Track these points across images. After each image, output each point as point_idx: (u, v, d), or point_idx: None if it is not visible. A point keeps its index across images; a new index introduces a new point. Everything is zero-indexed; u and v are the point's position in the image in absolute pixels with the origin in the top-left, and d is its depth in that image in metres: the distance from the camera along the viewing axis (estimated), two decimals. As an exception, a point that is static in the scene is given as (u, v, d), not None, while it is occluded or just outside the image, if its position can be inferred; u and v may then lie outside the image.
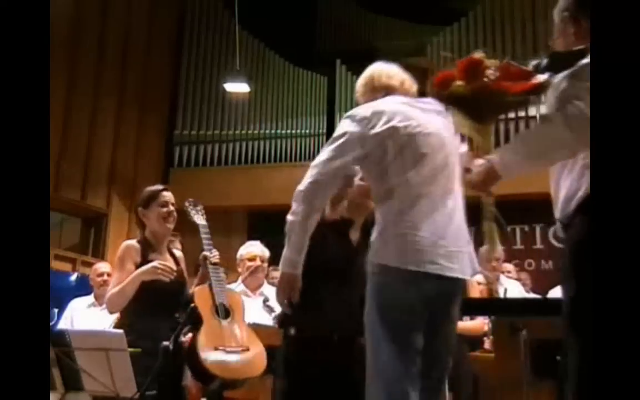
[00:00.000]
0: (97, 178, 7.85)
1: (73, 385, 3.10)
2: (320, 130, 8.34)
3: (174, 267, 3.04)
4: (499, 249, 2.10)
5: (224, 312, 3.09)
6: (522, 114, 6.92)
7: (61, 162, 7.33)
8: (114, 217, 7.98)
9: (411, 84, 2.53)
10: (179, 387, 2.94)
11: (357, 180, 2.93)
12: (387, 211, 2.14)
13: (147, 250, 3.04)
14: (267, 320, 3.75)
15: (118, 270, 3.01)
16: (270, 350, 3.00)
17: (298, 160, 8.11)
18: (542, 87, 1.91)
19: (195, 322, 2.98)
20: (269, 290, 3.93)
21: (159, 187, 3.24)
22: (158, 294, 2.93)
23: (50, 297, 1.63)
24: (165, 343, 2.81)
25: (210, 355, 2.87)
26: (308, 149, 8.23)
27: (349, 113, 2.28)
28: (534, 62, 1.97)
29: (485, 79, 1.98)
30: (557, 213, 1.86)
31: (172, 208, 3.14)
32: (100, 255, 7.77)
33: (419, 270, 2.04)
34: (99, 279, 4.65)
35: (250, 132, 8.55)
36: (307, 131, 8.34)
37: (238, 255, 4.23)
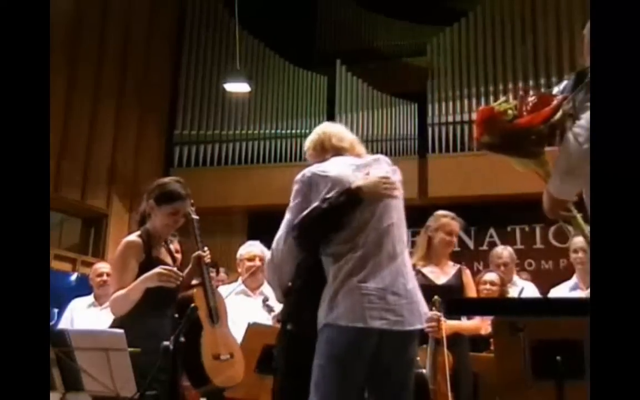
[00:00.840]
0: (97, 178, 7.85)
1: (73, 385, 3.10)
2: (320, 131, 8.33)
3: (173, 266, 3.02)
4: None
5: (216, 315, 3.10)
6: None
7: (61, 162, 7.33)
8: (114, 217, 7.99)
9: (360, 146, 2.70)
10: (178, 387, 2.93)
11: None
12: (337, 272, 2.27)
13: (150, 245, 2.99)
14: (267, 320, 3.75)
15: (121, 269, 2.96)
16: (270, 350, 3.00)
17: (298, 160, 8.11)
18: (560, 107, 1.94)
19: (195, 324, 2.98)
20: (269, 290, 3.92)
21: (178, 190, 3.10)
22: (158, 293, 2.92)
23: (50, 297, 1.63)
24: (166, 343, 2.81)
25: (210, 362, 2.91)
26: (308, 149, 8.23)
27: (298, 178, 2.46)
28: (560, 86, 2.01)
29: (504, 124, 2.00)
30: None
31: (181, 220, 3.08)
32: (100, 255, 7.77)
33: (368, 327, 2.17)
34: (99, 279, 4.64)
35: (250, 132, 8.55)
36: (307, 131, 8.24)
37: (238, 255, 4.23)
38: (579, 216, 2.06)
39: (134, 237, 3.01)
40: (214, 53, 8.98)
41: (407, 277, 2.35)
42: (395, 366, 2.29)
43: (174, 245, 3.66)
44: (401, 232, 2.42)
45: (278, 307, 4.10)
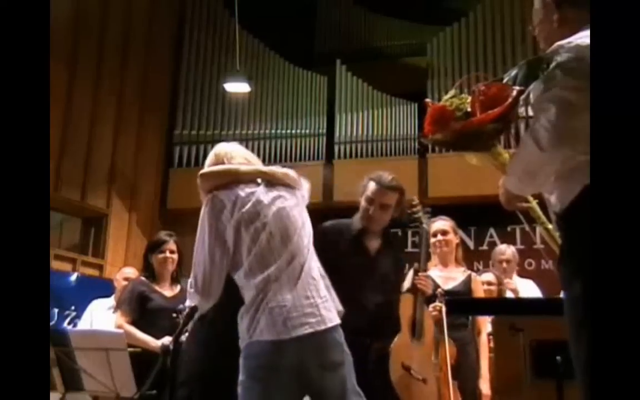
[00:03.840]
0: (97, 178, 7.85)
1: (73, 385, 3.10)
2: (320, 131, 8.34)
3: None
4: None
5: None
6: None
7: (61, 162, 7.33)
8: (114, 217, 7.99)
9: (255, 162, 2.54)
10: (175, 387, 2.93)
11: (371, 188, 2.99)
12: (249, 291, 2.27)
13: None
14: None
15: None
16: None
17: (298, 160, 8.11)
18: (516, 102, 1.88)
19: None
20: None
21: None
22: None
23: (50, 297, 1.63)
24: (166, 343, 2.81)
25: None
26: (308, 149, 8.23)
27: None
28: (511, 74, 1.93)
29: (455, 123, 1.95)
30: (553, 211, 1.84)
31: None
32: (100, 255, 7.77)
33: (289, 337, 2.17)
34: (126, 282, 4.59)
35: (250, 132, 8.55)
36: (307, 131, 8.34)
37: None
38: (536, 205, 2.04)
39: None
40: (213, 53, 8.98)
41: (318, 282, 2.34)
42: (325, 373, 2.26)
43: (170, 246, 3.67)
44: (305, 242, 2.38)
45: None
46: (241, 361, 2.21)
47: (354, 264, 3.01)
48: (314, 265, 2.38)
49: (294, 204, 2.40)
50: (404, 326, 3.18)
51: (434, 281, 3.53)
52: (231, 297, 2.89)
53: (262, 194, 2.33)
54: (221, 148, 2.54)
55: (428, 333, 3.25)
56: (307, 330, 2.20)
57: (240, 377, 2.20)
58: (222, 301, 2.83)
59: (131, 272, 4.66)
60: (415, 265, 3.13)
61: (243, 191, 2.31)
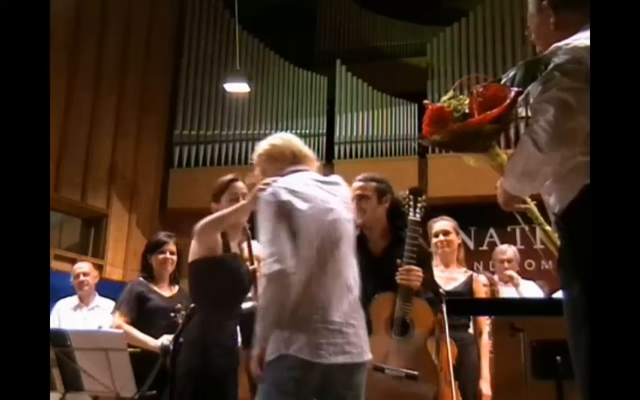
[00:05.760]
0: (97, 178, 7.85)
1: (73, 385, 3.10)
2: (320, 131, 8.34)
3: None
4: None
5: None
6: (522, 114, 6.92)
7: (61, 162, 7.34)
8: (114, 217, 7.99)
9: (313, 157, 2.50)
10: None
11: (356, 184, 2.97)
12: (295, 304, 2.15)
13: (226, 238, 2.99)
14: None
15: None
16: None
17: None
18: (515, 103, 1.88)
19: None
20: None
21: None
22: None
23: (50, 297, 1.63)
24: (166, 342, 2.81)
25: None
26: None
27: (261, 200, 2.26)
28: (509, 75, 1.93)
29: (454, 123, 1.95)
30: (552, 212, 1.84)
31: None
32: (100, 255, 7.77)
33: (328, 363, 2.12)
34: (77, 280, 4.59)
35: (250, 132, 8.54)
36: (307, 131, 8.34)
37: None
38: (534, 207, 2.04)
39: None
40: (213, 53, 8.98)
41: (358, 304, 2.30)
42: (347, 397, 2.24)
43: (170, 247, 3.67)
44: (352, 259, 2.35)
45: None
46: (269, 369, 2.12)
47: (380, 268, 2.99)
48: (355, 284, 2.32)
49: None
50: (379, 327, 3.00)
51: (425, 273, 3.52)
52: (220, 299, 2.89)
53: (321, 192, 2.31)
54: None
55: (419, 327, 3.04)
56: (347, 360, 2.17)
57: (266, 385, 2.14)
58: (212, 302, 2.82)
59: (82, 266, 4.67)
60: (398, 261, 3.04)
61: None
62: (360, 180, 3.11)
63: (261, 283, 2.32)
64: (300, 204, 2.20)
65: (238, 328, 3.12)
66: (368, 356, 2.27)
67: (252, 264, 3.08)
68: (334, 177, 2.44)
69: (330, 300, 2.18)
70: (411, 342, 2.99)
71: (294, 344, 2.11)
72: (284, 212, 2.17)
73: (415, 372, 2.91)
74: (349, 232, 2.34)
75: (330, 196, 2.33)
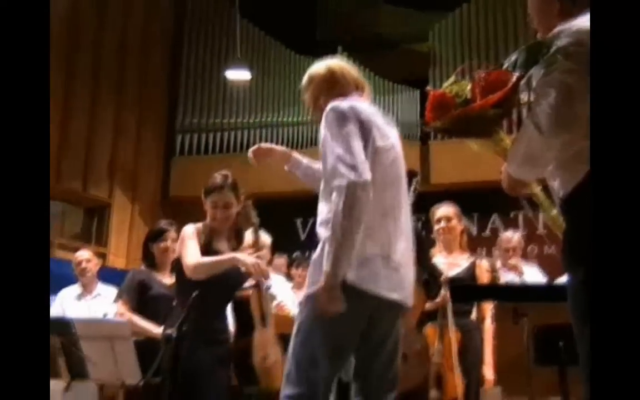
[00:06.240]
0: (99, 168, 7.86)
1: (78, 373, 3.12)
2: (322, 118, 8.32)
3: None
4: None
5: (268, 318, 3.12)
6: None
7: (63, 152, 7.34)
8: (117, 206, 8.00)
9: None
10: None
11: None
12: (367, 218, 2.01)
13: (209, 237, 3.00)
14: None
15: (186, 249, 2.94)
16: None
17: (300, 147, 8.09)
18: (517, 87, 1.87)
19: (246, 324, 3.03)
20: (272, 277, 3.94)
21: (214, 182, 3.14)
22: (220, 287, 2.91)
23: (51, 284, 1.63)
24: (169, 331, 2.82)
25: (260, 363, 2.97)
26: (309, 136, 8.20)
27: (334, 111, 2.12)
28: (510, 59, 1.92)
29: (456, 109, 1.94)
30: (557, 196, 1.83)
31: (226, 211, 3.08)
32: (103, 244, 7.79)
33: (389, 298, 2.03)
34: (79, 267, 4.61)
35: (251, 120, 8.53)
36: (309, 118, 8.32)
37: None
38: (539, 191, 2.03)
39: (191, 225, 3.03)
40: (214, 41, 8.94)
41: (410, 252, 2.19)
42: (390, 336, 2.15)
43: (172, 235, 3.67)
44: (406, 201, 2.25)
45: (280, 294, 4.13)
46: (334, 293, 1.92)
47: None
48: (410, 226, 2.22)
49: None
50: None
51: (436, 269, 3.53)
52: (210, 294, 2.87)
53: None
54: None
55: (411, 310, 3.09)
56: (400, 298, 2.08)
57: (316, 312, 1.96)
58: (202, 295, 2.82)
59: (83, 254, 4.68)
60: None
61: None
62: None
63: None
64: (375, 132, 2.13)
65: (229, 321, 3.14)
66: (412, 302, 2.18)
67: (257, 250, 3.04)
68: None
69: (389, 237, 2.08)
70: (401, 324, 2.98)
71: (351, 272, 1.96)
72: (363, 132, 2.08)
73: (404, 352, 2.91)
74: (404, 174, 2.28)
75: (392, 132, 2.29)
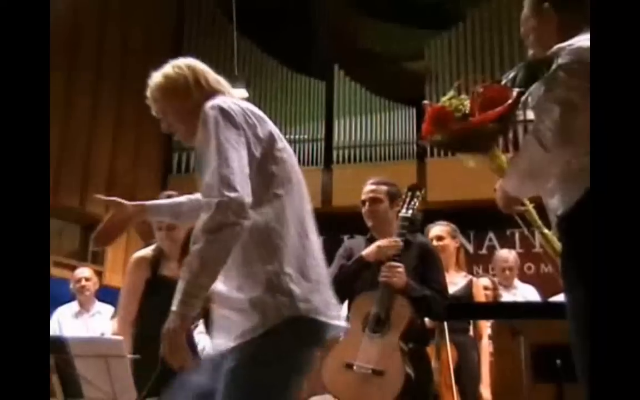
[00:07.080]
0: (96, 185, 7.84)
1: (73, 392, 3.09)
2: (319, 136, 8.34)
3: None
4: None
5: None
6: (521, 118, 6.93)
7: (60, 169, 7.33)
8: (113, 223, 7.96)
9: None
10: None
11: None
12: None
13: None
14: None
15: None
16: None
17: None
18: (517, 103, 1.89)
19: None
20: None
21: None
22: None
23: (50, 304, 1.63)
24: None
25: None
26: (306, 154, 8.22)
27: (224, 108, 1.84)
28: (509, 76, 1.94)
29: (455, 123, 1.94)
30: (554, 213, 1.84)
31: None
32: (100, 262, 7.75)
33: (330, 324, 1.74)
34: (78, 285, 4.60)
35: (248, 137, 8.53)
36: (305, 136, 8.34)
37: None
38: (532, 209, 2.04)
39: (139, 253, 3.20)
40: (212, 59, 8.92)
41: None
42: None
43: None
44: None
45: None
46: (266, 339, 1.61)
47: (369, 269, 2.99)
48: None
49: None
50: (356, 323, 2.91)
51: (428, 272, 3.51)
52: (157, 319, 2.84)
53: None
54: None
55: (396, 326, 2.91)
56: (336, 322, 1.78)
57: (258, 365, 1.63)
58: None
59: (83, 271, 4.67)
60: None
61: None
62: (372, 183, 3.12)
63: None
64: (271, 127, 1.84)
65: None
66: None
67: None
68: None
69: (316, 252, 1.79)
70: (383, 339, 2.88)
71: (306, 303, 1.64)
72: (248, 132, 1.78)
73: (381, 369, 2.82)
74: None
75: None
